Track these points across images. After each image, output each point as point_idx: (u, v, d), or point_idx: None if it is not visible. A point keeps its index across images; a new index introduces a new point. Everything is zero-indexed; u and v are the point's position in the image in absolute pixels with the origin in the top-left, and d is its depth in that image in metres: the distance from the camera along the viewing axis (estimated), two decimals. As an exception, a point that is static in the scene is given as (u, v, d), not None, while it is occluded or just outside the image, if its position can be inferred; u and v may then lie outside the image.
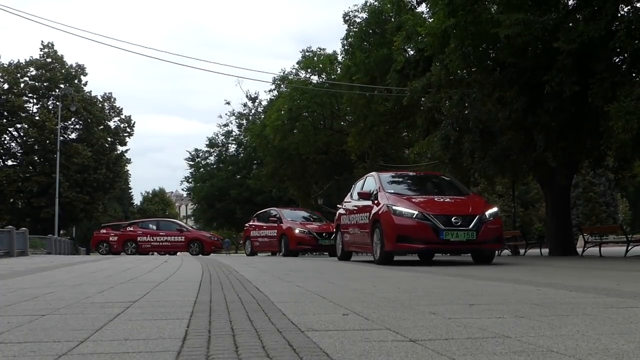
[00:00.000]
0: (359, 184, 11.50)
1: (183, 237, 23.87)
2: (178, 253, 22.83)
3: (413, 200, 9.51)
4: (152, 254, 22.28)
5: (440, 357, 1.82)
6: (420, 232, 8.87)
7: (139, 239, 24.08)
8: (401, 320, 2.60)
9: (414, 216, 8.95)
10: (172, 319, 2.70)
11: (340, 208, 12.24)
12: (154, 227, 25.04)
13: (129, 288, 4.64)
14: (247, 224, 21.01)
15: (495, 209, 9.74)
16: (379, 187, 9.99)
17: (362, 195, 10.40)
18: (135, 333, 2.33)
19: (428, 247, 9.21)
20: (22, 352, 1.98)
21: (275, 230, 18.21)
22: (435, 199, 9.79)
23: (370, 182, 10.74)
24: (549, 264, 9.92)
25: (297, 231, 17.31)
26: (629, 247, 15.41)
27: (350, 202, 11.59)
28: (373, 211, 9.71)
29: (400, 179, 11.33)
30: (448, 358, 1.81)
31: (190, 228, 26.39)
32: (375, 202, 9.74)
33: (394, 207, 9.16)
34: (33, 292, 4.26)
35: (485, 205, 9.71)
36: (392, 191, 9.93)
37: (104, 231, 27.74)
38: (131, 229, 25.34)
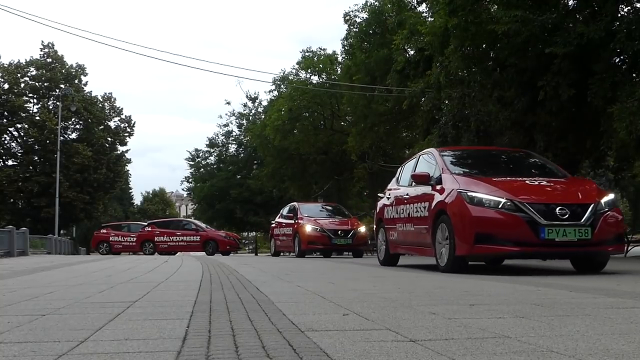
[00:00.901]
0: (410, 164, 9.14)
1: (199, 237, 23.48)
2: (191, 253, 22.68)
3: (496, 183, 6.93)
4: (173, 254, 22.20)
5: (440, 357, 1.82)
6: (511, 228, 6.41)
7: (156, 239, 23.94)
8: (401, 320, 2.61)
9: (501, 205, 6.47)
10: (172, 319, 2.70)
11: (382, 197, 9.78)
12: (172, 227, 24.93)
13: (129, 288, 4.64)
14: (273, 221, 19.73)
15: (612, 196, 7.14)
16: (443, 168, 7.60)
17: (418, 179, 7.89)
18: (135, 333, 2.33)
19: (523, 250, 6.49)
20: (22, 351, 1.98)
21: (291, 228, 16.86)
22: (527, 182, 7.14)
23: (427, 161, 8.32)
24: (549, 263, 9.91)
25: (308, 229, 15.98)
26: (629, 247, 15.41)
27: (398, 188, 9.18)
28: (436, 200, 7.30)
29: (471, 156, 8.94)
30: (448, 358, 1.81)
31: (206, 227, 25.64)
32: (439, 187, 7.39)
33: (469, 194, 6.70)
34: (33, 292, 4.26)
35: (599, 191, 7.12)
36: (462, 172, 7.65)
37: (104, 231, 27.75)
38: (149, 229, 25.21)
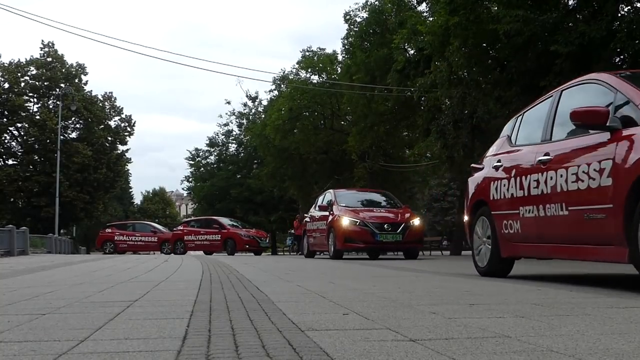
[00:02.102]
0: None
1: (219, 236, 23.05)
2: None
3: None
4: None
5: (440, 357, 1.82)
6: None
7: (185, 237, 23.75)
8: (401, 320, 2.61)
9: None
10: (172, 318, 2.70)
11: (480, 168, 11.29)
12: (197, 226, 24.65)
13: (129, 287, 4.64)
14: (306, 214, 16.78)
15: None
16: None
17: (582, 117, 8.13)
18: (135, 332, 2.33)
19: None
20: (22, 351, 1.98)
21: (325, 222, 13.88)
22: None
23: (585, 95, 8.80)
24: (549, 263, 9.91)
25: (345, 222, 12.93)
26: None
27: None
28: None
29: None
30: (448, 358, 1.81)
31: (228, 225, 24.29)
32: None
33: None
34: (33, 291, 4.26)
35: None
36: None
37: (109, 230, 27.69)
38: (181, 228, 25.11)
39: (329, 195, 14.88)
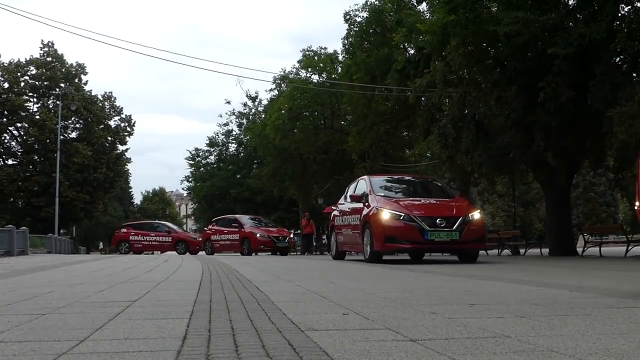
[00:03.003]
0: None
1: (238, 235, 21.89)
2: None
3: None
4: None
5: (440, 357, 1.82)
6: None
7: (212, 237, 23.22)
8: (401, 320, 2.60)
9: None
10: (172, 319, 2.70)
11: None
12: (221, 225, 23.62)
13: (129, 287, 4.64)
14: (334, 207, 13.23)
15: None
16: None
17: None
18: (135, 332, 2.33)
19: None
20: (22, 351, 1.98)
21: (359, 216, 10.86)
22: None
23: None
24: (549, 263, 9.92)
25: (385, 216, 9.96)
26: (629, 247, 15.41)
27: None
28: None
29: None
30: (448, 358, 1.81)
31: (247, 223, 22.61)
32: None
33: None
34: (33, 291, 4.26)
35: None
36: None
37: (124, 230, 27.57)
38: (210, 226, 24.45)
39: (363, 182, 11.73)
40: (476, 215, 10.29)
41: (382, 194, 10.75)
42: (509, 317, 2.71)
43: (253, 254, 20.50)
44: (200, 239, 25.97)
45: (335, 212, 12.59)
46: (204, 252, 23.62)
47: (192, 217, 56.56)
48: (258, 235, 21.65)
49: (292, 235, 23.52)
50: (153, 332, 2.33)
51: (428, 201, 10.83)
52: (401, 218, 9.81)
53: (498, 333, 2.24)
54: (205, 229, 25.31)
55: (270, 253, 21.77)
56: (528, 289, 4.30)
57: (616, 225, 28.34)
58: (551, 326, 2.42)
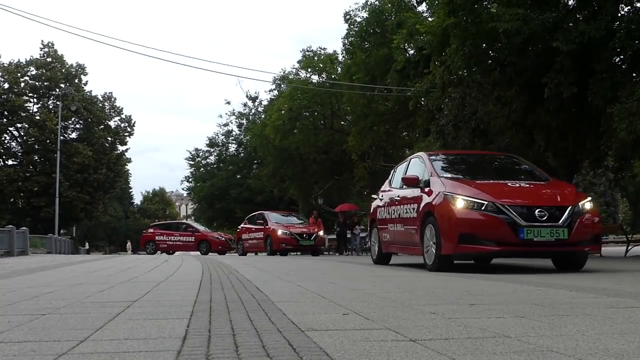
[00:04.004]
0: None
1: (262, 233, 20.49)
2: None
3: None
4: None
5: (440, 357, 1.82)
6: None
7: (242, 236, 22.19)
8: (401, 320, 2.60)
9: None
10: (172, 319, 2.70)
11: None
12: (251, 223, 22.33)
13: (129, 287, 4.64)
14: (375, 195, 10.51)
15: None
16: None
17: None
18: (135, 332, 2.33)
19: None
20: (23, 351, 1.98)
21: (415, 206, 7.89)
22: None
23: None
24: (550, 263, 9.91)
25: (459, 204, 6.95)
26: (629, 247, 15.41)
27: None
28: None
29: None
30: (448, 358, 1.81)
31: (272, 219, 20.99)
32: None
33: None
34: (33, 292, 4.26)
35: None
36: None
37: (151, 230, 27.57)
38: (242, 224, 23.34)
39: (417, 162, 8.60)
40: (587, 205, 7.06)
41: (449, 176, 7.76)
42: (509, 317, 2.71)
43: (278, 254, 19.04)
44: (223, 238, 25.49)
45: (378, 202, 9.72)
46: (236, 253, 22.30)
47: (192, 218, 56.56)
48: (280, 232, 19.71)
49: (321, 233, 20.91)
50: (153, 332, 2.33)
51: (518, 184, 7.56)
52: (483, 208, 6.73)
53: (498, 333, 2.24)
54: (238, 228, 23.78)
55: (300, 253, 20.23)
56: (528, 288, 4.30)
57: (616, 225, 28.37)
58: (551, 326, 2.42)
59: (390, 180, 9.61)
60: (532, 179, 8.00)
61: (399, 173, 9.16)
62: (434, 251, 7.10)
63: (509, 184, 7.46)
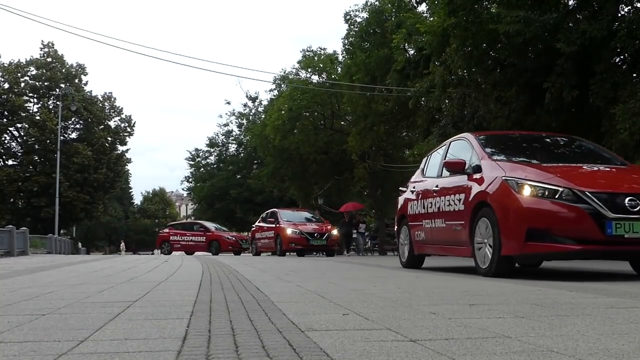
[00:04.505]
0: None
1: (273, 232, 19.75)
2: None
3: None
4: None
5: (440, 357, 1.82)
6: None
7: (256, 235, 21.50)
8: (401, 320, 2.60)
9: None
10: (172, 319, 2.70)
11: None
12: (264, 221, 21.34)
13: (129, 288, 4.64)
14: (402, 188, 9.10)
15: None
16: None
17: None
18: (135, 333, 2.33)
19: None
20: (23, 351, 1.98)
21: (463, 196, 6.50)
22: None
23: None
24: (551, 263, 9.91)
25: (525, 191, 5.57)
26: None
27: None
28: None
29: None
30: (448, 358, 1.81)
31: (283, 217, 19.96)
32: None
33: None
34: (33, 292, 4.26)
35: None
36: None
37: (167, 230, 27.55)
38: (257, 222, 22.57)
39: (461, 144, 7.19)
40: None
41: (505, 159, 6.34)
42: (509, 317, 2.71)
43: (287, 254, 18.29)
44: (233, 238, 24.97)
45: (408, 195, 8.29)
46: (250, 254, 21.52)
47: (193, 217, 56.59)
48: (289, 231, 18.55)
49: (335, 232, 19.84)
50: (153, 332, 2.33)
51: (596, 168, 6.27)
52: (557, 196, 5.36)
53: (498, 333, 2.24)
54: (253, 226, 22.69)
55: (315, 253, 19.24)
56: (528, 289, 4.30)
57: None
58: (551, 326, 2.42)
59: (423, 169, 8.24)
60: (607, 162, 6.60)
61: (434, 160, 7.88)
62: (490, 252, 5.76)
63: (584, 167, 6.11)
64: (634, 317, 2.73)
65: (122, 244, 54.34)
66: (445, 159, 7.14)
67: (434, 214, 7.22)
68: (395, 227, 9.01)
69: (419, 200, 7.78)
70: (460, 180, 6.56)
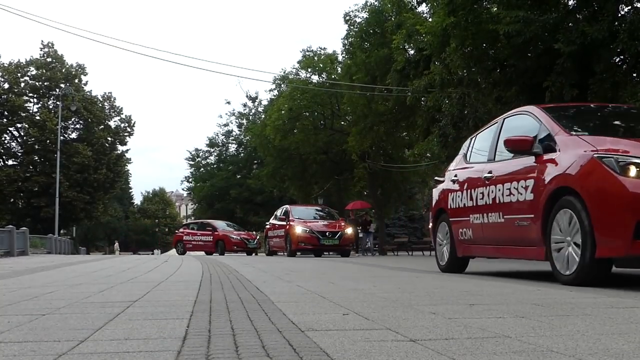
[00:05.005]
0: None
1: (284, 231, 18.89)
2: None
3: None
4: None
5: (440, 357, 1.82)
6: None
7: (269, 234, 20.86)
8: (401, 320, 2.60)
9: None
10: (172, 319, 2.70)
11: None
12: (276, 219, 20.52)
13: (129, 288, 4.64)
14: (437, 178, 8.19)
15: None
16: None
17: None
18: (135, 333, 2.33)
19: None
20: (22, 351, 1.98)
21: (531, 182, 5.31)
22: None
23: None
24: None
25: (632, 171, 4.28)
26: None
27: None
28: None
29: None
30: (448, 358, 1.81)
31: (295, 214, 19.09)
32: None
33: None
34: (33, 292, 4.26)
35: None
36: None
37: (181, 230, 27.54)
38: (270, 221, 21.86)
39: (523, 120, 5.93)
40: None
41: (585, 133, 5.13)
42: (509, 317, 2.71)
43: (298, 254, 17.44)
44: (239, 237, 24.22)
45: (448, 185, 7.05)
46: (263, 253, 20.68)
47: (193, 217, 56.60)
48: (299, 230, 17.60)
49: (349, 231, 18.91)
50: (153, 332, 2.33)
51: None
52: None
53: (498, 333, 2.24)
54: (267, 224, 21.63)
55: (330, 253, 18.21)
56: (528, 289, 4.30)
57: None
58: (551, 326, 2.42)
59: (465, 155, 7.03)
60: None
61: (481, 143, 6.64)
62: (577, 253, 4.57)
63: None
64: (634, 317, 2.73)
65: (116, 244, 54.35)
66: (499, 139, 5.88)
67: (486, 207, 5.93)
68: (431, 224, 7.65)
69: (464, 191, 6.48)
70: (526, 162, 5.26)
